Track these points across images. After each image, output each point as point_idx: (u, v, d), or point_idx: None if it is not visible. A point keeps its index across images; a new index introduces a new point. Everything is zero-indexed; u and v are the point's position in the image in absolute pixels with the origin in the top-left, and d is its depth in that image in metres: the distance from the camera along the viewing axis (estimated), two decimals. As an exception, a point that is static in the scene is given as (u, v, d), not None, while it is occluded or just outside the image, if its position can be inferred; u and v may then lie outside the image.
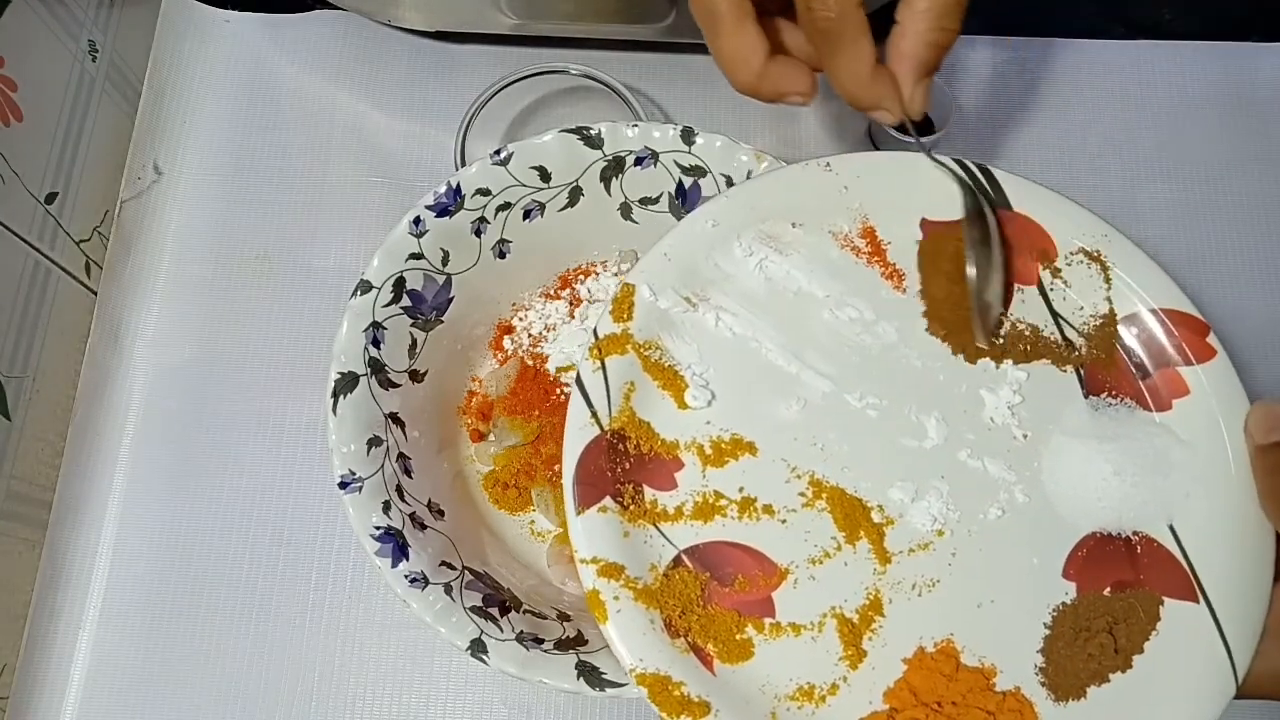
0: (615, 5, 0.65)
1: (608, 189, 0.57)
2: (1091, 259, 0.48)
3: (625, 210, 0.58)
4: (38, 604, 0.60)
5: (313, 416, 0.64)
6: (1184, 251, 0.70)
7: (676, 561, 0.44)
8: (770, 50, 0.45)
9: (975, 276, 0.46)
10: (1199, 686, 0.43)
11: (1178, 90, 0.74)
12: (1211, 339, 0.47)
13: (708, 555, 0.44)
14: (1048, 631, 0.44)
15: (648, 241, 0.48)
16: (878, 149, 0.70)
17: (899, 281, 0.48)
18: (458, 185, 0.54)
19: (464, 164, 0.61)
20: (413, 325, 0.55)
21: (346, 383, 0.52)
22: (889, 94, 0.45)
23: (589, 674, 0.48)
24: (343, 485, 0.50)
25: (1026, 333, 0.48)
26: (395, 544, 0.50)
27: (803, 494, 0.45)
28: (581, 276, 0.61)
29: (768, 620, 0.44)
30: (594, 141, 0.55)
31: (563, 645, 0.50)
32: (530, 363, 0.60)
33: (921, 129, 0.67)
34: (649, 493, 0.45)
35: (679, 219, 0.49)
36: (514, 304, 0.62)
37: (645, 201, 0.58)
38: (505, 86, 0.63)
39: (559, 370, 0.60)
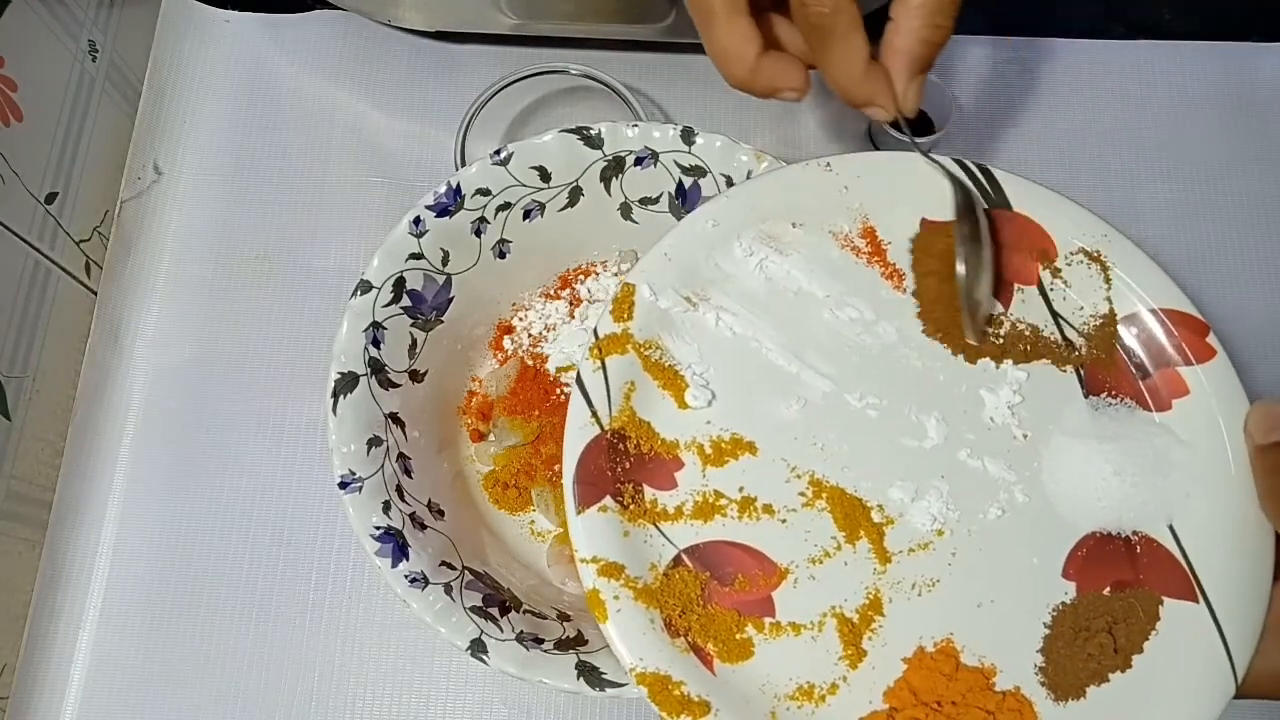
0: (615, 5, 0.65)
1: (608, 189, 0.57)
2: (1091, 259, 0.48)
3: (625, 210, 0.58)
4: (38, 604, 0.60)
5: (313, 416, 0.64)
6: (1184, 251, 0.70)
7: (676, 561, 0.44)
8: (764, 45, 0.45)
9: (964, 274, 0.46)
10: (1198, 686, 0.43)
11: (1178, 90, 0.74)
12: (1211, 339, 0.47)
13: (708, 555, 0.44)
14: (1047, 631, 0.44)
15: (648, 241, 0.48)
16: (878, 149, 0.70)
17: (899, 281, 0.48)
18: (458, 185, 0.54)
19: (464, 164, 0.61)
20: (413, 325, 0.55)
21: (346, 383, 0.52)
22: (882, 90, 0.45)
23: (589, 674, 0.48)
24: (343, 485, 0.50)
25: (1026, 333, 0.48)
26: (395, 544, 0.50)
27: (803, 494, 0.45)
28: (581, 276, 0.61)
29: (768, 620, 0.44)
30: (594, 141, 0.55)
31: (563, 645, 0.50)
32: (530, 363, 0.60)
33: (922, 129, 0.67)
34: (649, 492, 0.45)
35: (679, 219, 0.49)
36: (514, 304, 0.62)
37: (645, 201, 0.58)
38: (505, 86, 0.63)
39: (559, 370, 0.60)
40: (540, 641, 0.50)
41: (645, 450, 0.45)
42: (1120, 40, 0.75)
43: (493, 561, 0.56)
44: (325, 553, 0.62)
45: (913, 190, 0.49)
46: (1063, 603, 0.44)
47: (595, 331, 0.46)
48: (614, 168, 0.56)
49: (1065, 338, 0.48)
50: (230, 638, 0.60)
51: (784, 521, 0.45)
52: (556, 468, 0.58)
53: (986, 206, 0.48)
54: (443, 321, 0.57)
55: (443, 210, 0.54)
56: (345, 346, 0.52)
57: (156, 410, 0.64)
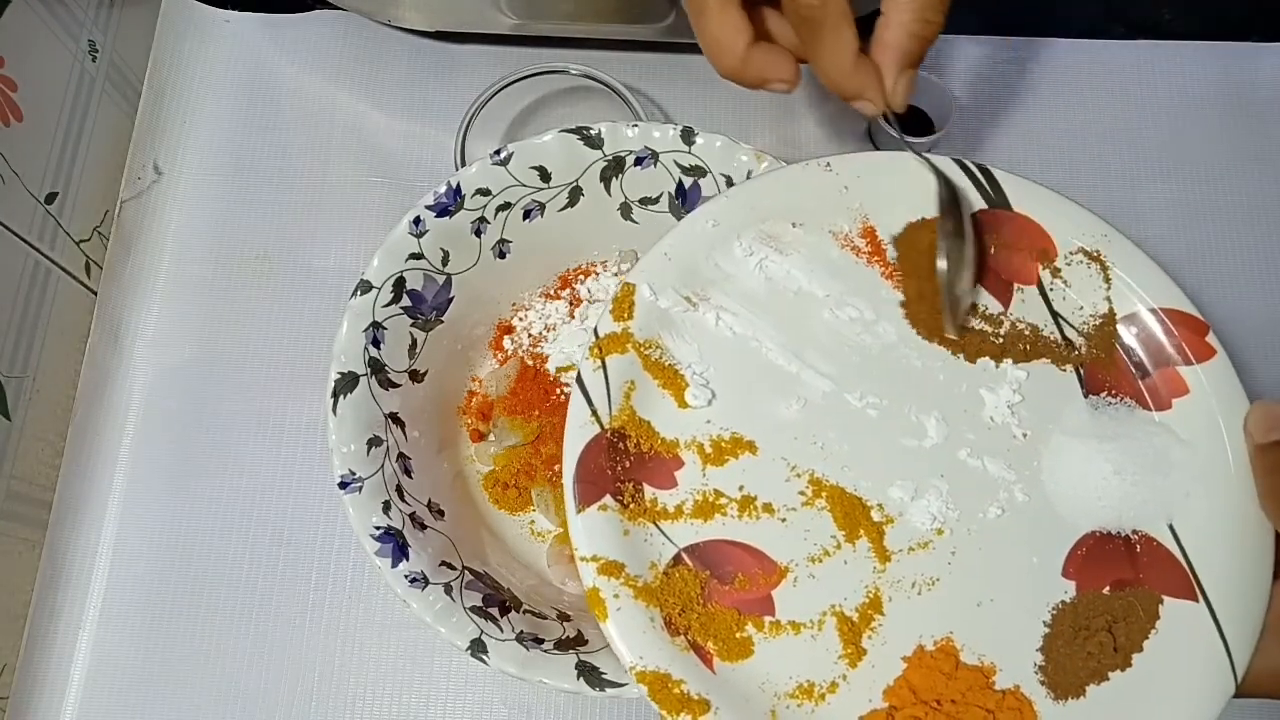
0: (615, 5, 0.66)
1: (608, 189, 0.57)
2: (1091, 259, 0.48)
3: (625, 210, 0.58)
4: (38, 604, 0.60)
5: (313, 416, 0.64)
6: (1184, 251, 0.70)
7: (676, 560, 0.44)
8: (754, 36, 0.46)
9: (946, 269, 0.46)
10: (1198, 685, 0.43)
11: (1178, 90, 0.74)
12: (1211, 338, 0.47)
13: (708, 553, 0.44)
14: (1047, 630, 0.44)
15: (648, 241, 0.48)
16: (878, 149, 0.70)
17: (899, 281, 0.48)
18: (458, 185, 0.55)
19: (464, 164, 0.61)
20: (413, 325, 0.55)
21: (346, 383, 0.52)
22: (871, 84, 0.46)
23: (589, 674, 0.48)
24: (343, 485, 0.50)
25: (1026, 332, 0.48)
26: (395, 544, 0.50)
27: (803, 493, 0.45)
28: (581, 276, 0.61)
29: (767, 618, 0.44)
30: (594, 141, 0.55)
31: (563, 645, 0.50)
32: (530, 363, 0.60)
33: (922, 128, 0.67)
34: (649, 491, 0.45)
35: (679, 219, 0.49)
36: (514, 304, 0.62)
37: (645, 201, 0.58)
38: (505, 86, 0.63)
39: (559, 370, 0.60)
40: (540, 641, 0.50)
41: (645, 449, 0.45)
42: (1120, 40, 0.75)
43: (493, 561, 0.56)
44: (325, 553, 0.62)
45: (913, 190, 0.49)
46: (1062, 601, 0.44)
47: (595, 331, 0.46)
48: (614, 168, 0.56)
49: (1065, 337, 0.48)
50: (230, 638, 0.60)
51: (784, 520, 0.45)
52: (556, 468, 0.58)
53: (975, 209, 0.49)
54: (443, 321, 0.57)
55: (443, 210, 0.54)
56: (345, 346, 0.52)
57: (156, 410, 0.64)
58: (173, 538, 0.62)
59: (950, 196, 0.47)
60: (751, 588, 0.44)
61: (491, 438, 0.60)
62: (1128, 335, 0.48)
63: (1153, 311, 0.48)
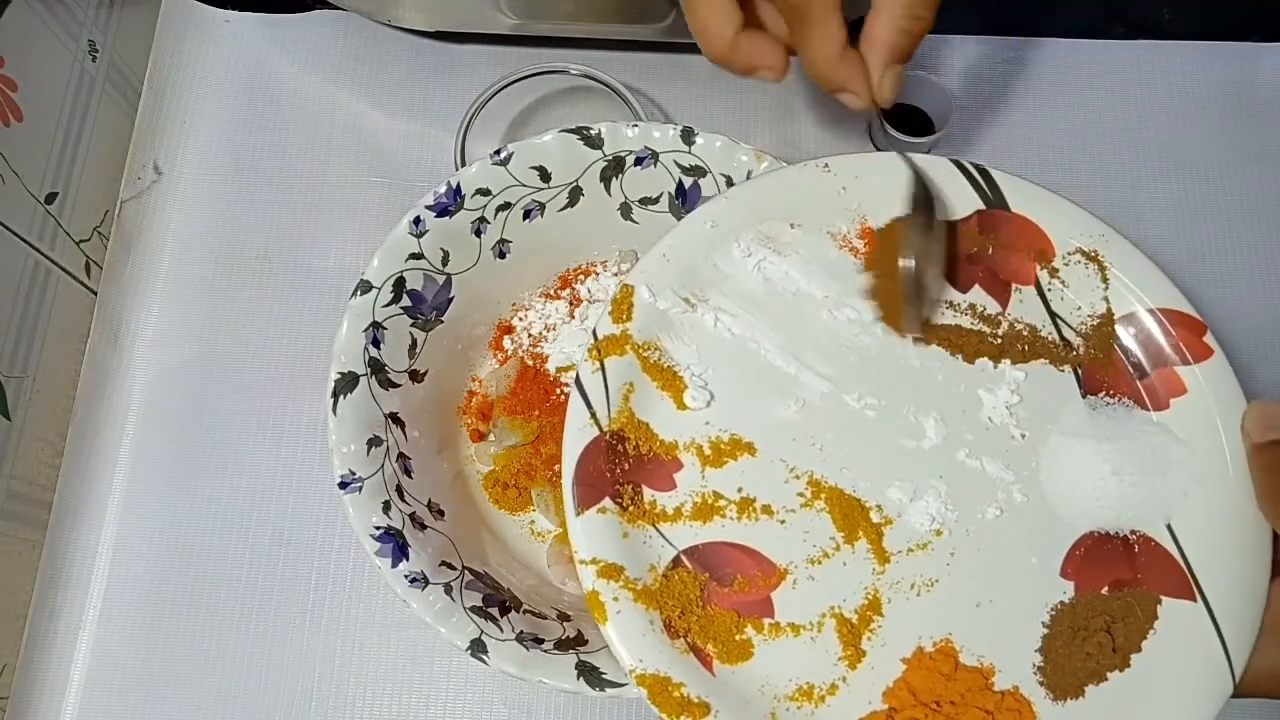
0: (615, 5, 0.65)
1: (608, 189, 0.57)
2: (1089, 259, 0.48)
3: (625, 210, 0.58)
4: (38, 604, 0.60)
5: (313, 416, 0.64)
6: (1184, 251, 0.70)
7: (676, 562, 0.44)
8: (744, 23, 0.46)
9: (911, 267, 0.46)
10: (1196, 685, 0.43)
11: (1178, 90, 0.74)
12: (1208, 338, 0.47)
13: (707, 556, 0.45)
14: (1046, 631, 0.44)
15: (648, 241, 0.48)
16: (878, 149, 0.70)
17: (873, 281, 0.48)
18: (458, 185, 0.55)
19: (464, 164, 0.61)
20: (413, 325, 0.55)
21: (346, 383, 0.52)
22: (856, 77, 0.46)
23: (589, 674, 0.48)
24: (343, 485, 0.50)
25: (1024, 332, 0.48)
26: (395, 544, 0.50)
27: (801, 494, 0.45)
28: (581, 276, 0.62)
29: (767, 620, 0.44)
30: (594, 141, 0.55)
31: (563, 645, 0.50)
32: (530, 363, 0.61)
33: (922, 129, 0.67)
34: (648, 493, 0.45)
35: (679, 219, 0.49)
36: (514, 304, 0.62)
37: (645, 201, 0.58)
38: (505, 86, 0.63)
39: (559, 370, 0.60)
40: (540, 641, 0.50)
41: (644, 451, 0.45)
42: (1120, 40, 0.75)
43: (493, 561, 0.56)
44: (325, 553, 0.62)
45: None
46: (1061, 602, 0.44)
47: (594, 333, 0.46)
48: (614, 168, 0.56)
49: (1063, 337, 0.48)
50: (230, 638, 0.60)
51: (783, 522, 0.45)
52: (556, 468, 0.58)
53: (973, 209, 0.48)
54: (443, 321, 0.57)
55: (443, 210, 0.54)
56: (345, 346, 0.52)
57: (156, 410, 0.64)
58: (173, 538, 0.62)
59: (923, 194, 0.47)
60: (751, 590, 0.44)
61: (491, 438, 0.60)
62: (1125, 335, 0.48)
63: (1150, 311, 0.48)
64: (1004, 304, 0.48)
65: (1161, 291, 0.48)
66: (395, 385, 0.54)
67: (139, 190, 0.69)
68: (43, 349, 0.61)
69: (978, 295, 0.48)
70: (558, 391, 0.59)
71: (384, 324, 0.53)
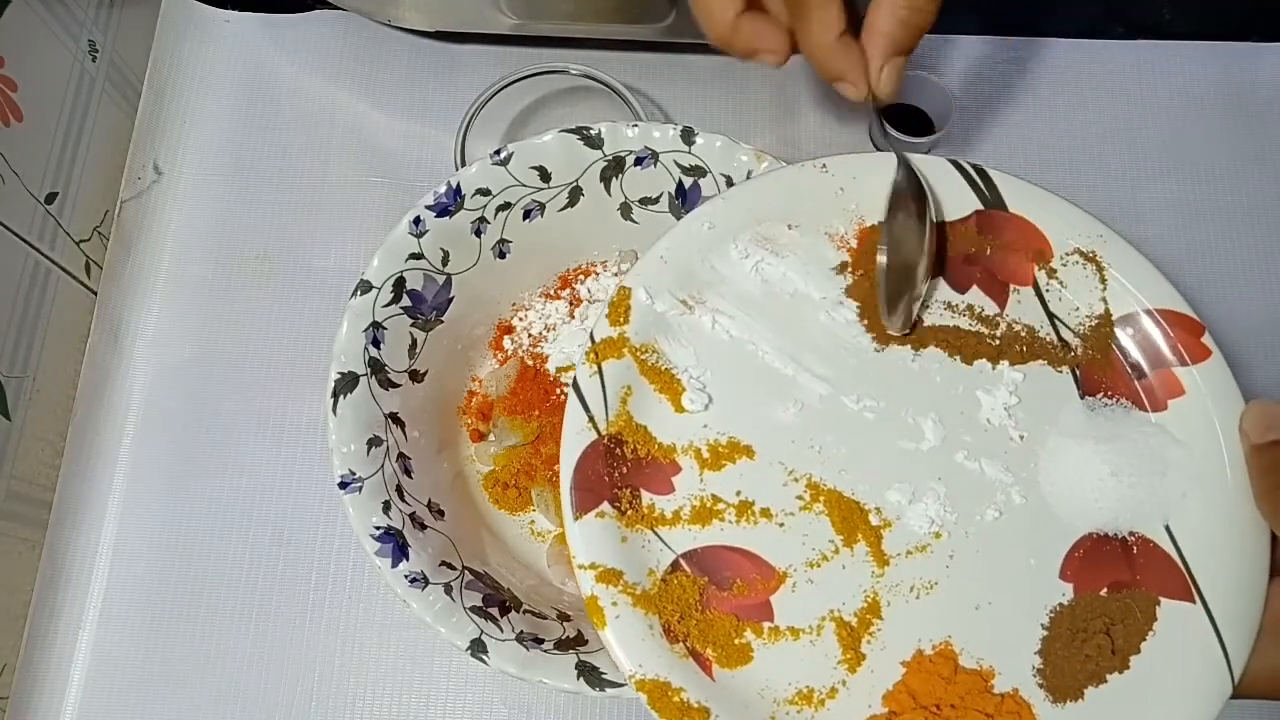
0: (615, 5, 0.65)
1: (608, 189, 0.57)
2: (1087, 259, 0.48)
3: (625, 210, 0.58)
4: (38, 604, 0.61)
5: (313, 416, 0.64)
6: (1183, 251, 0.70)
7: (674, 566, 0.44)
8: (747, 5, 0.46)
9: (885, 266, 0.46)
10: (1196, 686, 0.43)
11: (1178, 90, 0.74)
12: (1206, 339, 0.47)
13: (706, 560, 0.44)
14: (1045, 633, 0.44)
15: (647, 241, 0.48)
16: (877, 150, 0.70)
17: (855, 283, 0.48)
18: (458, 185, 0.55)
19: (464, 164, 0.61)
20: (413, 325, 0.55)
21: (346, 383, 0.52)
22: (854, 67, 0.45)
23: (589, 674, 0.48)
24: (343, 485, 0.50)
25: (1022, 333, 0.48)
26: (395, 544, 0.50)
27: (800, 497, 0.45)
28: (581, 276, 0.62)
29: (766, 624, 0.44)
30: (594, 141, 0.55)
31: (563, 645, 0.50)
32: (530, 363, 0.61)
33: (922, 129, 0.67)
34: (646, 497, 0.45)
35: (679, 219, 0.49)
36: (514, 304, 0.62)
37: (645, 201, 0.58)
38: (505, 86, 0.63)
39: (559, 370, 0.60)
40: (540, 641, 0.50)
41: (642, 455, 0.45)
42: (1120, 40, 0.74)
43: (493, 561, 0.56)
44: (325, 553, 0.62)
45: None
46: (1060, 604, 0.44)
47: (591, 336, 0.46)
48: (614, 168, 0.56)
49: (1061, 338, 0.48)
50: (230, 638, 0.60)
51: (782, 525, 0.45)
52: (556, 468, 0.58)
53: (973, 209, 0.48)
54: (443, 321, 0.57)
55: (443, 210, 0.54)
56: (345, 346, 0.52)
57: (156, 410, 0.65)
58: (173, 538, 0.62)
59: (915, 189, 0.47)
60: (750, 593, 0.44)
61: (491, 438, 0.60)
62: (1124, 336, 0.48)
63: (1149, 312, 0.47)
64: (1002, 305, 0.48)
65: (1160, 292, 0.47)
66: (395, 385, 0.54)
67: (139, 190, 0.69)
68: (43, 349, 0.61)
69: (976, 296, 0.48)
70: (558, 391, 0.59)
71: (384, 324, 0.53)
